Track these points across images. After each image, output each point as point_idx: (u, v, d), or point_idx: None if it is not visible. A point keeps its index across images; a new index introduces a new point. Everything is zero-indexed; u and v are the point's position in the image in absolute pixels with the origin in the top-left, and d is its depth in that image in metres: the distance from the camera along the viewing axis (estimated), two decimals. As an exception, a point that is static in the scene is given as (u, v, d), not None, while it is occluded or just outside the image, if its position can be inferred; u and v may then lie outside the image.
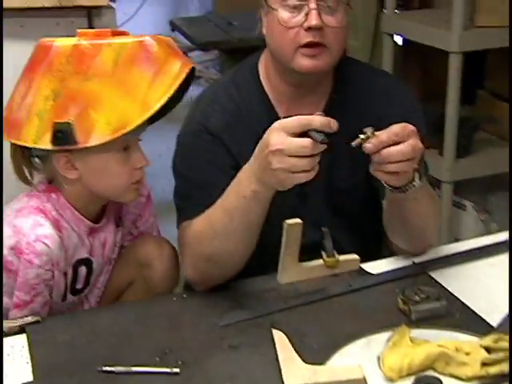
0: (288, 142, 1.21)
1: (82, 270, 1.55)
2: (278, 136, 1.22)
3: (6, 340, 1.33)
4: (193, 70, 1.44)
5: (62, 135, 1.36)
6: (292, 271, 1.49)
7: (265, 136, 1.26)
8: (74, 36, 1.44)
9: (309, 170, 1.22)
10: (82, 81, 1.36)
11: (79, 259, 1.53)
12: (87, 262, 1.55)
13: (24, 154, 1.48)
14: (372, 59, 3.33)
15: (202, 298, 1.45)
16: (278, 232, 1.43)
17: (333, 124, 1.21)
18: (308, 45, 1.43)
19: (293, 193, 1.33)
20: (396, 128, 1.26)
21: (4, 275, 1.42)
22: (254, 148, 1.55)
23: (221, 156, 1.52)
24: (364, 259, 1.55)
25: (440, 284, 1.45)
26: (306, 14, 1.42)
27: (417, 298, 1.35)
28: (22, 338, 1.34)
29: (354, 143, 1.25)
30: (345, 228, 1.60)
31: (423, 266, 1.52)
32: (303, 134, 1.22)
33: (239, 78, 1.60)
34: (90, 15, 2.05)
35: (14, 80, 2.05)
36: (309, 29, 1.42)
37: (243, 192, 1.32)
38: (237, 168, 1.51)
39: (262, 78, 1.59)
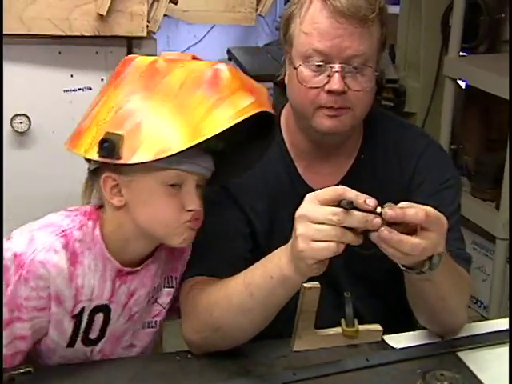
0: (317, 209, 1.10)
1: (99, 317, 1.38)
2: (309, 204, 1.11)
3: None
4: (271, 118, 1.29)
5: (108, 146, 1.23)
6: (306, 339, 1.37)
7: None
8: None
9: (332, 241, 1.08)
10: (146, 97, 1.26)
11: (98, 305, 1.37)
12: (105, 309, 1.39)
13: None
14: (432, 103, 3.21)
15: (206, 359, 1.34)
16: (295, 294, 1.30)
17: (368, 200, 1.08)
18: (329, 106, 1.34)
19: None
20: (430, 213, 1.10)
21: None
22: (268, 203, 1.44)
23: (229, 208, 1.43)
24: (390, 330, 1.42)
25: (468, 368, 1.31)
26: (329, 76, 1.32)
27: (438, 384, 1.21)
28: (10, 390, 1.26)
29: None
30: (366, 296, 1.48)
31: (451, 345, 1.37)
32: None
33: None
34: (130, 45, 2.00)
35: (54, 104, 2.07)
36: (330, 92, 1.32)
37: (271, 271, 1.18)
38: (247, 221, 1.42)
39: (282, 129, 1.50)
